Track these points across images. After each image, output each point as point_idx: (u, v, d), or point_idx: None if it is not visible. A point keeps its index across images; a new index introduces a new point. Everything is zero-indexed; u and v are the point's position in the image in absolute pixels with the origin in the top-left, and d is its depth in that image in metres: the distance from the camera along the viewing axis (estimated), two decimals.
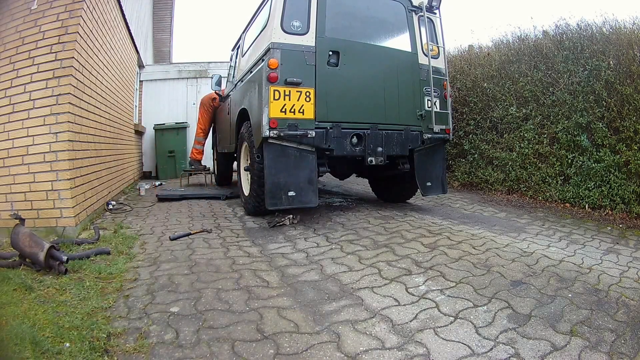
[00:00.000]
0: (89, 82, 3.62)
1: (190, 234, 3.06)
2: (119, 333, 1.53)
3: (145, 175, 8.27)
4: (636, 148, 3.61)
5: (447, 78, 3.78)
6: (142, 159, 8.35)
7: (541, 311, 1.72)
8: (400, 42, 3.61)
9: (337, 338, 1.52)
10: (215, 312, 1.73)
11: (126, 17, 5.69)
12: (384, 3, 3.57)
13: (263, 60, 3.22)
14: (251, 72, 3.71)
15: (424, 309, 1.75)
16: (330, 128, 3.20)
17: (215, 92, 5.93)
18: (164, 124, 8.11)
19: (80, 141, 3.31)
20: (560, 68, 4.33)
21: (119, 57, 5.26)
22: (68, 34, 3.05)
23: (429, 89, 3.56)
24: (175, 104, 8.95)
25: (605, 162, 3.82)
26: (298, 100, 3.08)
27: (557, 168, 4.28)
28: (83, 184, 3.32)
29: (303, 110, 3.10)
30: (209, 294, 1.91)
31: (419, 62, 3.61)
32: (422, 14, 3.64)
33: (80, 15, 3.15)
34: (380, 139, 3.38)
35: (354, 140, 3.31)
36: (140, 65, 8.31)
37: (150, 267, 2.32)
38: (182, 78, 9.08)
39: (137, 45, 7.12)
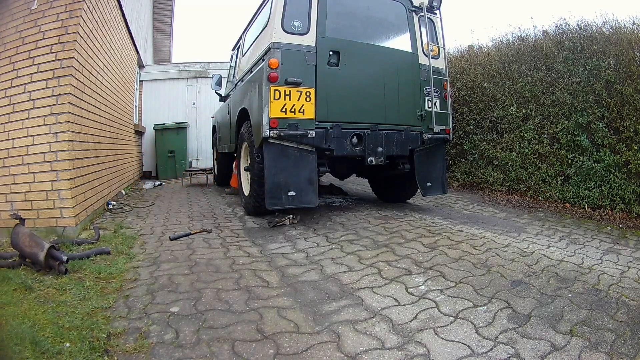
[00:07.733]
0: (89, 82, 3.62)
1: (190, 234, 3.06)
2: (119, 333, 1.53)
3: (145, 175, 8.28)
4: (636, 148, 3.60)
5: (447, 78, 3.78)
6: (142, 159, 8.36)
7: (541, 311, 1.72)
8: (400, 42, 3.61)
9: (337, 338, 1.52)
10: (215, 312, 1.73)
11: (126, 17, 5.69)
12: (384, 3, 3.57)
13: (263, 60, 3.22)
14: (251, 71, 3.71)
15: (424, 309, 1.75)
16: (331, 128, 3.20)
17: None
18: (164, 124, 8.12)
19: (80, 141, 3.31)
20: (560, 68, 4.32)
21: (119, 57, 5.26)
22: (68, 34, 3.05)
23: (429, 89, 3.56)
24: (175, 104, 8.96)
25: (605, 162, 3.82)
26: (298, 100, 3.08)
27: (557, 168, 4.28)
28: (83, 184, 3.32)
29: (303, 110, 3.10)
30: (209, 294, 1.91)
31: (419, 62, 3.61)
32: (422, 14, 3.64)
33: (80, 15, 3.15)
34: (381, 139, 3.38)
35: (354, 140, 3.31)
36: (140, 65, 8.31)
37: (150, 267, 2.32)
38: (182, 78, 9.08)
39: (137, 45, 7.12)
